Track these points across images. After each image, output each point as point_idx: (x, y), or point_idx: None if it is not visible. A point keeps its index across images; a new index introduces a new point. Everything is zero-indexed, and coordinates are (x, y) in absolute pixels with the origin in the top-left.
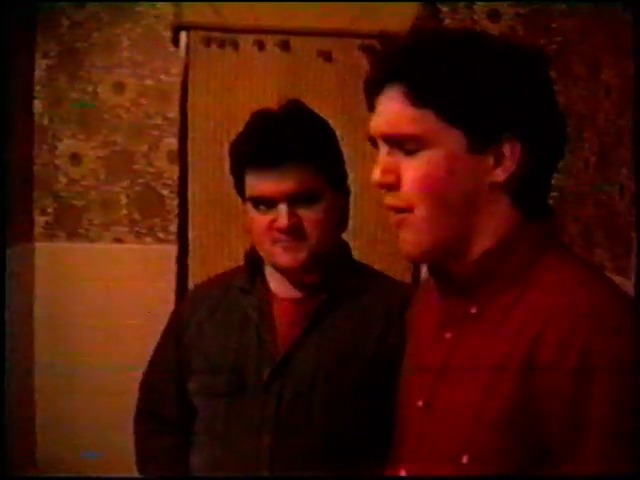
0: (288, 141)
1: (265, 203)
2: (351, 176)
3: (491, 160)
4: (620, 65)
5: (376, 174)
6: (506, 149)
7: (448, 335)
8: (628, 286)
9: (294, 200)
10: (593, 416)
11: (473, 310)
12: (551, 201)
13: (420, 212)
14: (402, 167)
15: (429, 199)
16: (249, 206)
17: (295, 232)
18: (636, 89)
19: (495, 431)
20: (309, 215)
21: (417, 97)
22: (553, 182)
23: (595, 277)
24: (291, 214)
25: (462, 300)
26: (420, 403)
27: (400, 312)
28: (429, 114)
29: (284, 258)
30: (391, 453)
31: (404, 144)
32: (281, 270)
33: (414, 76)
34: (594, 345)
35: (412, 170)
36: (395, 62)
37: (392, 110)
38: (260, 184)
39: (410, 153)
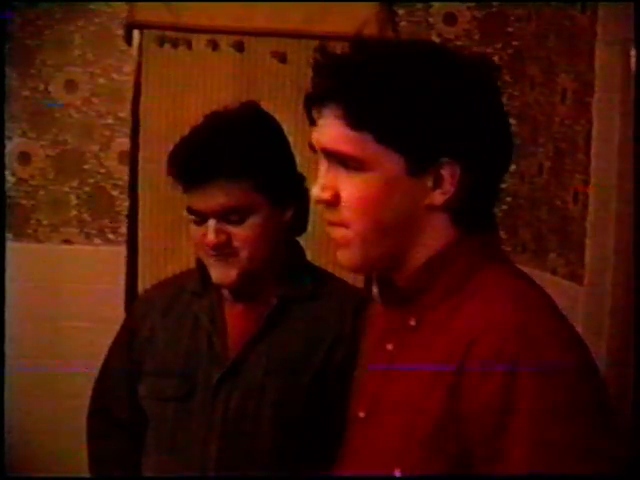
0: (219, 158)
1: (197, 216)
2: (309, 178)
3: (430, 182)
4: (576, 70)
5: (316, 190)
6: (445, 172)
7: (389, 346)
8: (581, 292)
9: (223, 216)
10: (517, 426)
11: (412, 322)
12: (505, 206)
13: (355, 230)
14: (341, 183)
15: (364, 218)
16: (187, 215)
17: (223, 249)
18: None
19: (424, 446)
20: (239, 232)
21: (355, 120)
22: (507, 187)
23: (530, 291)
24: (219, 231)
25: (403, 311)
26: (362, 414)
27: (353, 317)
28: (367, 137)
29: (216, 272)
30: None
31: (344, 160)
32: (216, 284)
33: (350, 99)
34: (521, 361)
35: (350, 188)
36: (332, 82)
37: (332, 129)
38: (190, 197)
39: (351, 170)
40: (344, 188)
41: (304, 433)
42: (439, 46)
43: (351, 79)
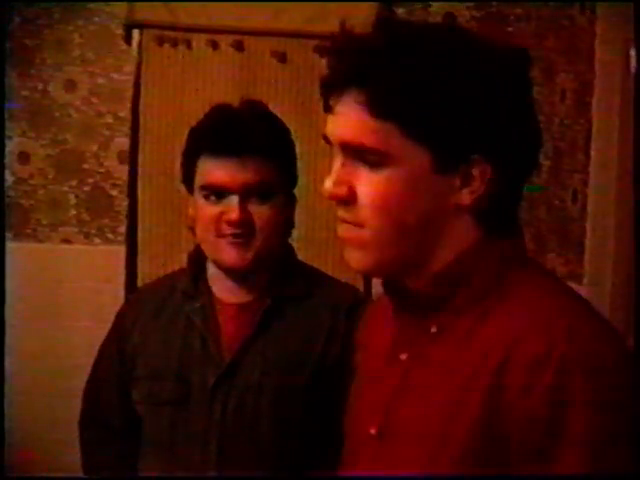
0: (250, 132)
1: (216, 193)
2: (303, 179)
3: (458, 181)
4: (575, 69)
5: (328, 184)
6: (475, 171)
7: (404, 356)
8: (580, 292)
9: (247, 193)
10: (572, 425)
11: (433, 329)
12: None
13: (372, 230)
14: (360, 179)
15: (384, 218)
16: (197, 196)
17: (245, 227)
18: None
19: (461, 454)
20: (261, 211)
21: (379, 109)
22: None
23: (565, 292)
24: (242, 208)
25: (420, 318)
26: (373, 431)
27: (347, 314)
28: (392, 128)
29: (229, 255)
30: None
31: (364, 155)
32: (225, 269)
33: (376, 85)
34: (573, 360)
35: (370, 185)
36: (355, 66)
37: (352, 118)
38: (215, 171)
39: (371, 166)
40: (363, 184)
41: (303, 432)
42: (471, 33)
43: (376, 62)
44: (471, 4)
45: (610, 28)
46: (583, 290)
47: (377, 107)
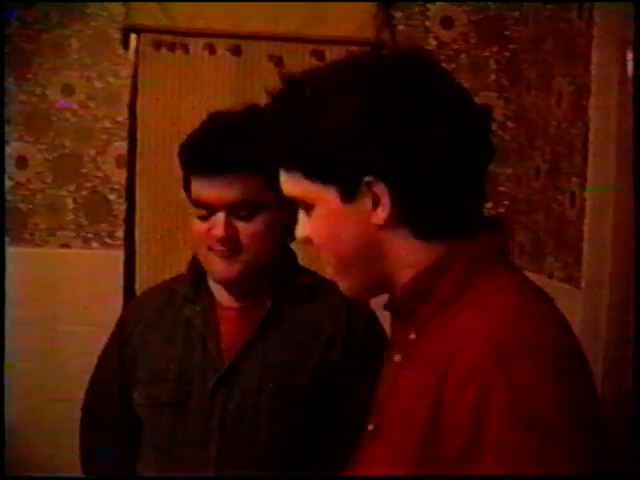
0: (237, 149)
1: (205, 209)
2: None
3: (369, 204)
4: (573, 73)
5: (298, 231)
6: (377, 190)
7: (397, 358)
8: (578, 295)
9: (233, 210)
10: (487, 446)
11: (412, 336)
12: (502, 209)
13: (329, 264)
14: (306, 225)
15: (328, 253)
16: (192, 210)
17: (230, 243)
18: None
19: (414, 463)
20: (247, 228)
21: (286, 164)
22: (504, 190)
23: (520, 301)
24: (228, 224)
25: (405, 324)
26: (371, 427)
27: (347, 317)
28: (298, 176)
29: (218, 268)
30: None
31: (302, 205)
32: (216, 280)
33: (273, 151)
34: (492, 377)
35: (308, 229)
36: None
37: (287, 181)
38: (202, 189)
39: (307, 212)
40: (308, 229)
41: (302, 435)
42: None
43: (266, 139)
44: (468, 7)
45: (607, 31)
46: (581, 293)
47: (285, 163)
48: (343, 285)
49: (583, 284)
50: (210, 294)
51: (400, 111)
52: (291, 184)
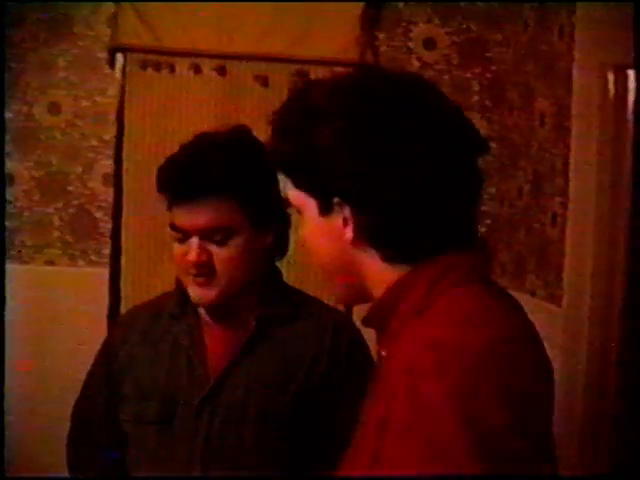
0: (209, 175)
1: (181, 233)
2: None
3: (340, 221)
4: (554, 94)
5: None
6: (345, 211)
7: (377, 373)
8: (559, 314)
9: (207, 235)
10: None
11: (383, 353)
12: (484, 228)
13: (318, 269)
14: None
15: (313, 259)
16: (172, 233)
17: (203, 268)
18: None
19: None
20: (221, 253)
21: (280, 170)
22: (486, 209)
23: (470, 324)
24: (201, 250)
25: (381, 342)
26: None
27: (333, 334)
28: (288, 184)
29: (194, 292)
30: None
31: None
32: (195, 304)
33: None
34: (400, 387)
35: (301, 231)
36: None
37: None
38: (176, 214)
39: (300, 214)
40: (301, 233)
41: (287, 452)
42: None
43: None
44: (450, 29)
45: (588, 53)
46: (562, 312)
47: (281, 173)
48: (332, 291)
49: (564, 303)
50: (196, 312)
51: (373, 142)
52: (285, 190)
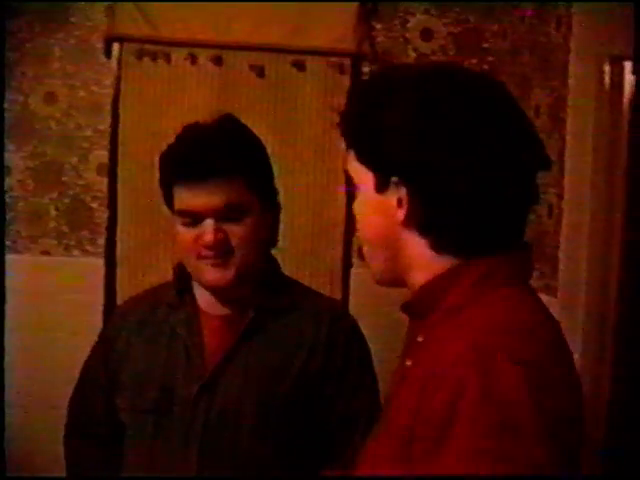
0: (217, 155)
1: (192, 217)
2: (282, 192)
3: (394, 201)
4: (550, 85)
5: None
6: (401, 191)
7: (409, 363)
8: (554, 304)
9: (221, 215)
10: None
11: (420, 339)
12: None
13: (363, 244)
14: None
15: (360, 234)
16: (176, 220)
17: (221, 248)
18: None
19: (394, 464)
20: (236, 230)
21: (347, 143)
22: None
23: (510, 330)
24: (217, 229)
25: (417, 328)
26: (376, 427)
27: (329, 326)
28: (351, 155)
29: (211, 276)
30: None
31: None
32: (208, 288)
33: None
34: (469, 384)
35: (355, 205)
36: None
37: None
38: (187, 198)
39: (357, 189)
40: (354, 208)
41: (284, 442)
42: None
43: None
44: (447, 20)
45: (585, 44)
46: (557, 303)
47: (348, 145)
48: (370, 269)
49: (559, 294)
50: (194, 302)
51: (443, 131)
52: (348, 161)
